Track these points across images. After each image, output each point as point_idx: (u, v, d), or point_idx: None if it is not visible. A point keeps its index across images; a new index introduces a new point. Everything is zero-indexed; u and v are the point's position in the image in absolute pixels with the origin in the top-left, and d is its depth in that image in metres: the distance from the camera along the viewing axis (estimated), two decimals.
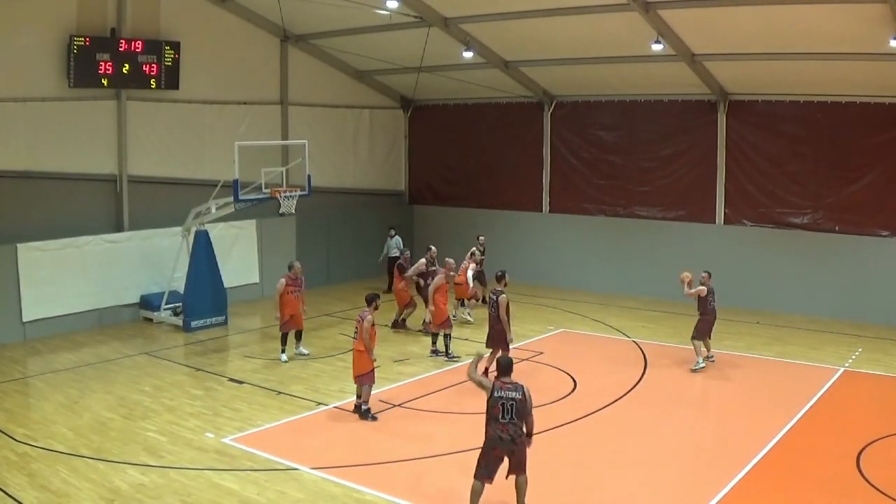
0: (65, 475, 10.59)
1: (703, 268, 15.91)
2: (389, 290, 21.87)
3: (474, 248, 19.72)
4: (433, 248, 19.18)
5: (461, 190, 25.58)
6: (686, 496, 10.16)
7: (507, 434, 9.17)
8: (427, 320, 17.00)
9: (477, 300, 19.07)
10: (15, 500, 9.84)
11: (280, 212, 18.45)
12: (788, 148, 20.13)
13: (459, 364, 15.72)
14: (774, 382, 14.75)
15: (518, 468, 9.34)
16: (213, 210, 18.37)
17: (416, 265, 18.87)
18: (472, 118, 25.22)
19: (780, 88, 19.74)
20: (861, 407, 13.48)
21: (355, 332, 13.14)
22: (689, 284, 15.52)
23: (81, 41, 18.07)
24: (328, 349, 16.89)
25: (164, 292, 19.22)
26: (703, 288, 15.43)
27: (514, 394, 9.20)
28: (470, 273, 18.67)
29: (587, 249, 23.25)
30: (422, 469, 10.94)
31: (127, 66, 18.81)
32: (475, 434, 11.06)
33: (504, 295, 14.75)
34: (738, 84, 20.26)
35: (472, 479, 9.46)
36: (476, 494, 9.38)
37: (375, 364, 12.89)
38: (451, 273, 17.17)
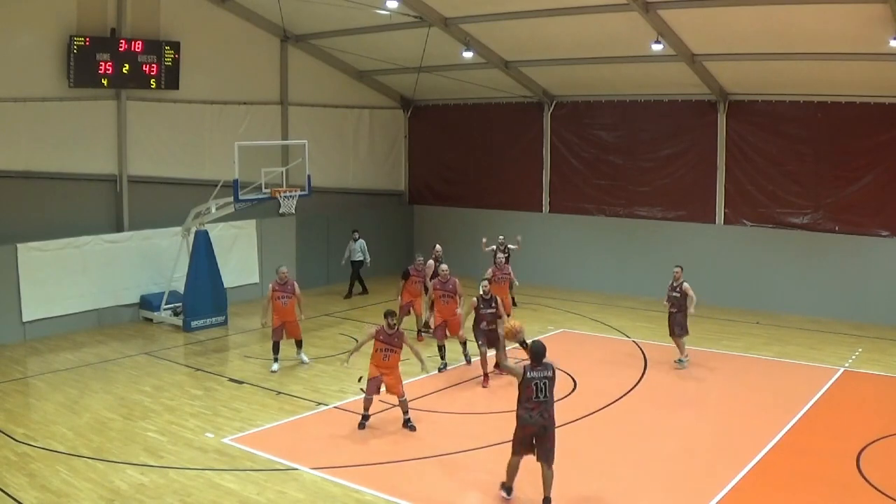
0: (65, 475, 10.59)
1: (702, 267, 15.95)
2: (349, 295, 21.94)
3: (495, 250, 19.05)
4: (438, 246, 18.69)
5: (461, 190, 25.57)
6: (686, 496, 10.16)
7: (538, 412, 9.62)
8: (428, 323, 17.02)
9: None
10: (15, 500, 9.84)
11: (280, 212, 18.45)
12: (788, 148, 20.12)
13: (459, 364, 15.73)
14: (774, 382, 14.75)
15: (546, 457, 9.67)
16: (213, 210, 18.37)
17: (428, 270, 17.78)
18: (472, 118, 25.21)
19: (780, 88, 19.74)
20: (861, 407, 13.47)
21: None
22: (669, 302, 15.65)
23: (81, 41, 18.08)
24: (328, 349, 16.89)
25: (164, 292, 19.23)
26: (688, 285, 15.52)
27: (547, 372, 9.70)
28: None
29: (587, 249, 23.25)
30: (422, 469, 10.93)
31: (127, 66, 18.82)
32: (476, 434, 11.12)
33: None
34: (738, 84, 20.26)
35: (472, 480, 9.51)
36: (513, 468, 9.80)
37: (345, 365, 12.80)
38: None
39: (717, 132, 21.02)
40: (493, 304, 14.56)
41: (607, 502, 10.12)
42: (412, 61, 21.40)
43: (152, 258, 19.63)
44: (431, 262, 18.01)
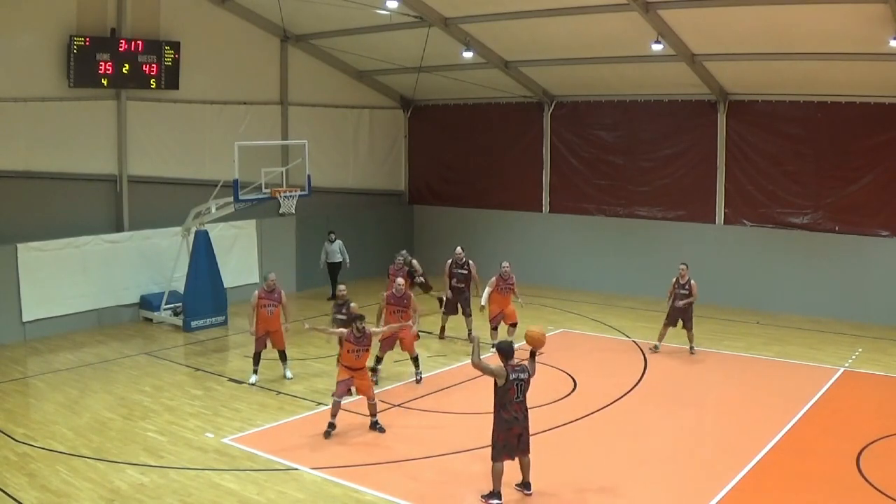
0: (65, 475, 10.59)
1: (702, 267, 16.00)
2: (333, 297, 21.64)
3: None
4: (459, 248, 17.95)
5: (461, 190, 25.58)
6: (686, 496, 10.15)
7: (521, 413, 9.75)
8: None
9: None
10: (15, 500, 9.84)
11: (280, 212, 18.47)
12: (788, 148, 20.13)
13: (459, 364, 15.73)
14: (774, 382, 14.75)
15: (525, 448, 9.87)
16: (213, 210, 18.37)
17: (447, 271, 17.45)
18: (472, 118, 25.21)
19: (780, 88, 19.74)
20: (861, 407, 13.47)
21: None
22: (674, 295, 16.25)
23: (81, 41, 18.07)
24: (329, 349, 16.86)
25: (163, 292, 19.22)
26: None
27: (523, 374, 9.82)
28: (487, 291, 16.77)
29: (587, 249, 23.25)
30: (422, 469, 10.93)
31: (127, 66, 18.81)
32: (475, 434, 11.11)
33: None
34: (738, 84, 20.26)
35: (472, 480, 9.53)
36: (500, 474, 9.78)
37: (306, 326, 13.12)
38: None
39: (717, 132, 21.02)
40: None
41: (607, 502, 10.11)
42: (412, 61, 21.40)
43: (152, 258, 19.63)
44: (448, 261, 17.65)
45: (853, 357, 16.30)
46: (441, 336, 17.76)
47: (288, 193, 17.85)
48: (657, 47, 17.58)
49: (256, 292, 14.92)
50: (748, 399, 13.79)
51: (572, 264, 23.42)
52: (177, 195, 20.10)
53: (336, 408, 12.09)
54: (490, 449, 9.82)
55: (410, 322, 14.57)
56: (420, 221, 26.41)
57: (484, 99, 24.25)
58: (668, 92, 21.42)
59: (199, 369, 15.68)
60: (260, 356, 14.85)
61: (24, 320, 17.51)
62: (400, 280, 15.26)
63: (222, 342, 17.83)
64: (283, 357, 15.03)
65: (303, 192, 18.27)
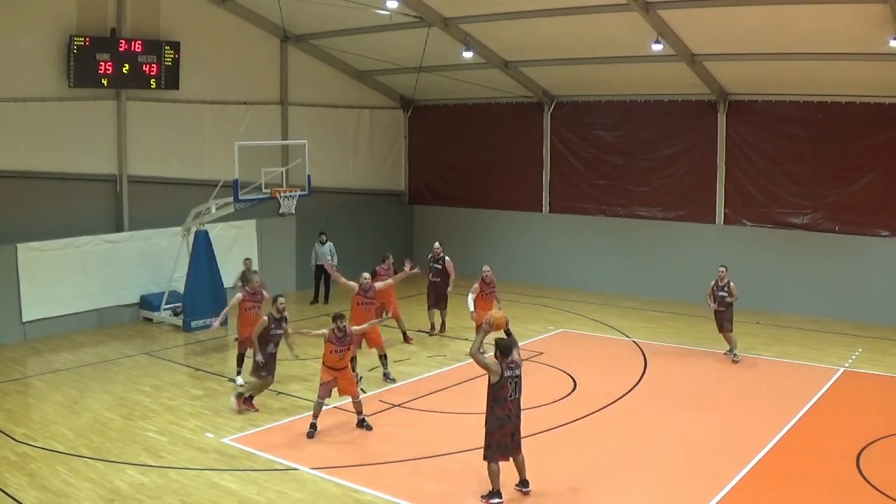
0: (64, 475, 10.59)
1: (703, 267, 15.97)
2: (315, 300, 21.61)
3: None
4: (437, 244, 18.59)
5: (461, 190, 25.58)
6: (686, 496, 10.16)
7: (514, 410, 9.74)
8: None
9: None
10: (15, 500, 9.84)
11: (280, 212, 18.46)
12: (788, 148, 20.13)
13: (458, 365, 15.73)
14: (774, 383, 14.76)
15: (518, 447, 9.85)
16: (213, 210, 18.37)
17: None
18: (472, 118, 25.21)
19: (780, 88, 19.74)
20: (861, 407, 13.46)
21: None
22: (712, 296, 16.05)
23: (81, 41, 18.07)
24: None
25: (163, 292, 19.22)
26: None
27: (517, 371, 9.79)
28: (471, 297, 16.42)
29: (587, 249, 23.25)
30: (421, 469, 10.94)
31: (127, 66, 18.81)
32: (475, 434, 11.07)
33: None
34: (737, 84, 20.26)
35: (472, 480, 9.54)
36: (497, 474, 9.75)
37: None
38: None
39: (717, 132, 21.02)
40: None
41: (607, 502, 10.11)
42: (412, 61, 21.40)
43: (152, 258, 19.63)
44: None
45: (853, 357, 16.30)
46: (431, 332, 17.87)
47: (288, 193, 17.85)
48: (657, 47, 17.58)
49: (239, 294, 14.90)
50: (748, 399, 13.80)
51: (572, 264, 23.42)
52: (177, 195, 20.10)
53: (318, 409, 12.15)
54: (483, 449, 9.80)
55: (387, 315, 15.13)
56: (420, 221, 26.41)
57: (484, 99, 24.25)
58: (668, 92, 21.42)
59: (199, 369, 15.68)
60: (244, 357, 14.72)
61: (24, 320, 17.51)
62: (365, 274, 15.28)
63: (222, 342, 17.81)
64: None
65: (303, 193, 18.27)
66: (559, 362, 15.86)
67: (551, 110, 23.71)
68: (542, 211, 24.14)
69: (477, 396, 13.92)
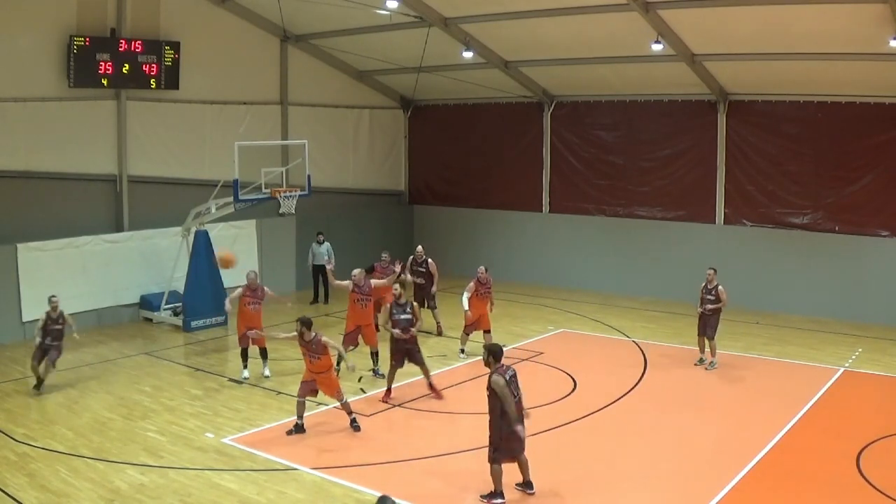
0: (64, 475, 10.59)
1: (703, 268, 15.89)
2: (315, 300, 21.61)
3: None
4: (420, 247, 18.75)
5: (461, 190, 25.58)
6: (686, 496, 10.16)
7: (520, 411, 9.76)
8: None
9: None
10: (15, 500, 9.84)
11: (280, 212, 18.46)
12: (788, 148, 20.12)
13: (459, 364, 15.73)
14: (774, 383, 14.75)
15: (523, 448, 9.88)
16: (213, 210, 18.38)
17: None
18: (472, 118, 25.22)
19: (779, 88, 19.74)
20: (861, 407, 13.47)
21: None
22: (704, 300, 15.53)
23: (81, 41, 18.08)
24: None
25: (163, 292, 19.23)
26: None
27: (512, 370, 9.93)
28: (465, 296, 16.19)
29: (587, 249, 23.25)
30: (423, 469, 10.94)
31: (127, 66, 18.82)
32: (476, 434, 11.08)
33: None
34: (737, 84, 20.26)
35: (472, 480, 9.56)
36: (501, 476, 9.83)
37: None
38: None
39: (717, 132, 21.02)
40: (409, 310, 13.72)
41: (608, 502, 10.11)
42: (412, 61, 21.40)
43: (152, 258, 19.63)
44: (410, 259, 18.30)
45: (853, 357, 16.30)
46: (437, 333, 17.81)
47: (288, 193, 17.86)
48: (657, 47, 17.58)
49: (240, 289, 15.10)
50: (748, 399, 13.80)
51: (572, 264, 23.42)
52: (177, 195, 20.11)
53: (300, 408, 12.23)
54: (488, 450, 9.80)
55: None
56: (420, 221, 26.41)
57: (484, 99, 24.25)
58: (668, 92, 21.42)
59: (198, 369, 15.68)
60: (247, 352, 14.99)
61: (24, 320, 17.49)
62: (356, 270, 15.35)
63: (222, 342, 17.82)
64: (263, 354, 15.11)
65: (303, 192, 18.28)
66: (559, 362, 15.87)
67: (551, 110, 23.70)
68: (542, 211, 24.14)
69: (478, 396, 13.94)
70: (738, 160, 20.87)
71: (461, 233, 24.99)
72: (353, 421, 12.32)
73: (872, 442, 11.59)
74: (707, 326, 15.48)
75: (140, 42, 19.00)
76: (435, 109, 26.00)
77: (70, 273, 18.20)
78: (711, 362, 15.57)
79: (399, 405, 13.48)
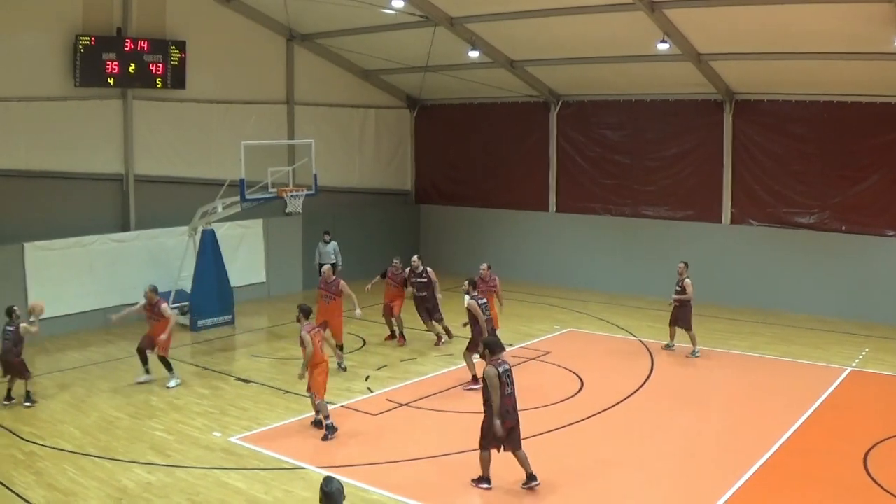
0: (72, 474, 10.62)
1: (709, 267, 15.94)
2: None
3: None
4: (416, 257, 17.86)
5: (467, 189, 25.58)
6: (692, 496, 10.15)
7: (512, 405, 9.94)
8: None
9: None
10: (22, 498, 9.88)
11: (286, 211, 18.47)
12: (795, 148, 20.09)
13: (463, 365, 15.73)
14: (780, 382, 14.72)
15: (517, 443, 10.02)
16: (220, 209, 18.41)
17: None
18: (478, 117, 25.21)
19: (786, 88, 19.70)
20: (868, 407, 13.43)
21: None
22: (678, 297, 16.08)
23: (87, 41, 18.10)
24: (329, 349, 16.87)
25: (170, 291, 19.22)
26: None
27: (507, 365, 10.06)
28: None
29: (594, 249, 23.24)
30: (429, 468, 10.95)
31: (133, 65, 18.84)
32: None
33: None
34: (744, 84, 20.22)
35: (474, 478, 9.65)
36: (489, 462, 10.07)
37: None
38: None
39: (724, 132, 20.97)
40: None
41: (613, 501, 10.11)
42: (418, 61, 21.41)
43: (159, 257, 19.65)
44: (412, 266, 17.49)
45: (860, 357, 16.26)
46: (439, 343, 17.25)
47: (294, 193, 17.86)
48: (663, 47, 17.56)
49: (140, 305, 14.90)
50: (754, 399, 13.77)
51: (579, 264, 23.40)
52: (183, 194, 20.12)
53: (325, 408, 12.19)
54: (479, 439, 10.09)
55: (356, 310, 15.65)
56: (426, 221, 26.43)
57: (490, 98, 24.24)
58: (675, 91, 21.39)
59: (206, 368, 15.70)
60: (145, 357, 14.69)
61: (31, 320, 17.48)
62: (326, 266, 16.17)
63: (229, 341, 17.86)
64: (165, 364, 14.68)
65: (309, 192, 18.27)
66: (566, 361, 15.86)
67: (557, 110, 23.69)
68: (548, 210, 24.13)
69: (480, 396, 13.95)
70: (745, 160, 20.83)
71: (467, 232, 24.98)
72: (319, 423, 12.15)
73: (879, 442, 11.56)
74: (678, 318, 16.24)
75: (146, 41, 19.03)
76: (441, 109, 26.00)
77: (77, 272, 18.25)
78: (693, 351, 16.14)
79: (406, 404, 13.49)
